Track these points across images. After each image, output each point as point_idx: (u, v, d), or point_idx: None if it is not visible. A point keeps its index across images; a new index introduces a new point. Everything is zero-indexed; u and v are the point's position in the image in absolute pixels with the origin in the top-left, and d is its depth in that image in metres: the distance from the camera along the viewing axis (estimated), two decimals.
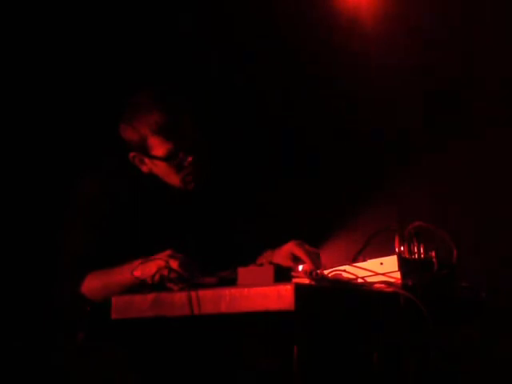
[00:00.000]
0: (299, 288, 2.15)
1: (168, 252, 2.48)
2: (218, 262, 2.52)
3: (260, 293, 2.18)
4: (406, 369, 2.44)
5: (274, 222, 3.85)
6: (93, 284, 2.64)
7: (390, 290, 2.36)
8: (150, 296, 2.31)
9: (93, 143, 3.62)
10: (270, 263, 2.32)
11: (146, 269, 2.46)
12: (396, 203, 3.63)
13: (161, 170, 2.83)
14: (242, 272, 2.28)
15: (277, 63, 4.08)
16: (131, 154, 2.83)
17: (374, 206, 3.62)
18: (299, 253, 2.77)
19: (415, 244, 2.50)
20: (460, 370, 2.62)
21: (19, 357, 3.40)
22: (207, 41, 4.04)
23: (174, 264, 2.42)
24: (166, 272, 2.39)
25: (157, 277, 2.40)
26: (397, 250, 2.48)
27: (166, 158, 2.79)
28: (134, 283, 2.48)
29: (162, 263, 2.43)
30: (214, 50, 4.05)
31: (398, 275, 2.40)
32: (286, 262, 2.78)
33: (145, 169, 2.84)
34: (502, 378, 2.93)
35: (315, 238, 2.95)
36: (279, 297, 2.14)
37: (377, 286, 2.38)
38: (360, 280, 2.40)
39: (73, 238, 2.76)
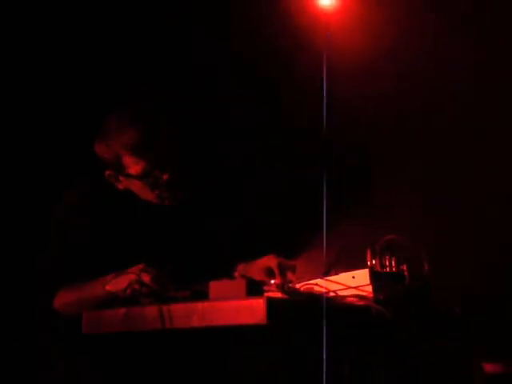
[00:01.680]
0: (271, 302, 2.15)
1: (140, 266, 2.48)
2: (192, 275, 2.52)
3: (232, 306, 2.18)
4: (377, 382, 2.45)
5: (250, 234, 3.85)
6: (65, 299, 2.63)
7: (361, 303, 2.36)
8: (121, 310, 2.31)
9: (69, 160, 3.61)
10: (242, 277, 2.32)
11: (118, 283, 2.46)
12: (369, 216, 3.64)
13: (136, 187, 2.82)
14: (214, 286, 2.28)
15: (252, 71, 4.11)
16: (106, 172, 2.82)
17: (348, 220, 3.63)
18: (273, 266, 2.77)
19: (387, 257, 2.51)
20: (430, 381, 2.63)
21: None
22: (185, 49, 4.05)
23: (146, 278, 2.42)
24: (137, 286, 2.38)
25: (128, 291, 2.39)
26: (369, 263, 2.49)
27: (141, 177, 2.79)
28: (106, 297, 2.47)
29: (133, 277, 2.42)
30: (190, 57, 4.06)
31: (369, 289, 2.41)
32: (260, 276, 2.79)
33: (120, 186, 2.83)
34: None
35: (289, 250, 2.95)
36: (251, 310, 2.14)
37: (349, 299, 2.38)
38: (332, 293, 2.40)
39: (48, 253, 2.75)
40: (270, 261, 2.82)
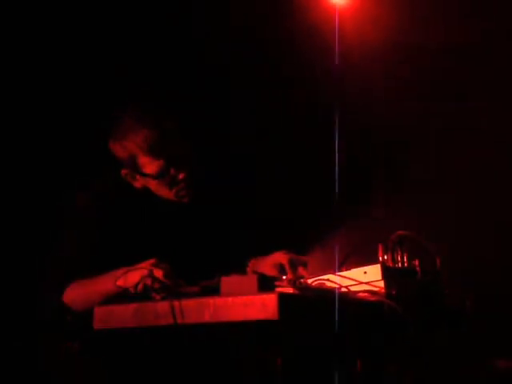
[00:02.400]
0: (283, 297, 2.14)
1: (152, 261, 2.48)
2: (204, 272, 2.51)
3: (244, 302, 2.17)
4: (389, 377, 2.44)
5: (261, 230, 3.84)
6: (75, 293, 2.63)
7: (373, 299, 2.36)
8: (133, 306, 2.30)
9: (85, 156, 3.61)
10: (254, 272, 2.32)
11: (129, 278, 2.45)
12: (381, 212, 3.64)
13: (153, 185, 2.83)
14: (226, 281, 2.28)
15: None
16: (123, 172, 2.82)
17: (359, 216, 3.62)
18: (284, 262, 2.77)
19: (399, 253, 2.51)
20: (442, 378, 2.62)
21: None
22: (188, 48, 4.05)
23: (159, 273, 2.41)
24: (149, 281, 2.38)
25: (140, 286, 2.39)
26: (380, 258, 2.48)
27: (158, 176, 2.79)
28: (116, 292, 2.47)
29: (145, 272, 2.42)
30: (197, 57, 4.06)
31: (381, 284, 2.40)
32: (272, 272, 2.78)
33: (137, 184, 2.84)
34: None
35: (301, 246, 2.95)
36: (263, 306, 2.14)
37: (360, 295, 2.38)
38: (344, 289, 2.40)
39: (60, 248, 2.75)
40: (281, 257, 2.82)
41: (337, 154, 3.92)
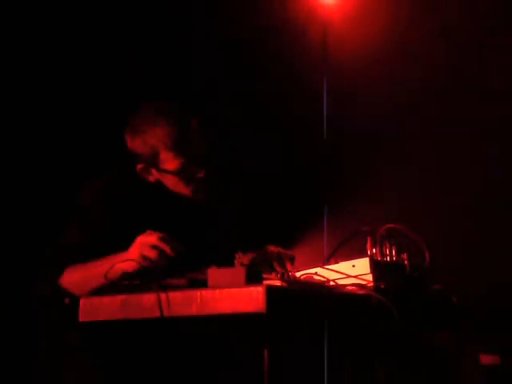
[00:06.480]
0: (271, 290, 2.13)
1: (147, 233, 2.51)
2: (195, 264, 2.49)
3: (231, 294, 2.16)
4: (377, 371, 2.43)
5: (249, 225, 3.84)
6: (72, 276, 2.61)
7: (361, 292, 2.35)
8: (119, 298, 2.28)
9: (101, 147, 3.62)
10: (242, 265, 2.31)
11: (130, 255, 2.48)
12: (369, 205, 3.64)
13: (170, 181, 2.82)
14: (213, 273, 2.26)
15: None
16: (139, 166, 2.80)
17: (347, 208, 3.61)
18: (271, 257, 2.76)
19: (387, 246, 2.50)
20: (429, 375, 2.62)
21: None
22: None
23: (152, 239, 2.47)
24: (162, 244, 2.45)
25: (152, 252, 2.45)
26: (369, 252, 2.47)
27: (178, 173, 2.78)
28: (114, 277, 2.44)
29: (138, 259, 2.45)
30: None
31: (370, 277, 2.39)
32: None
33: (152, 179, 2.83)
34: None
35: (288, 240, 2.94)
36: (251, 299, 2.12)
37: (349, 288, 2.37)
38: (332, 282, 2.39)
39: (65, 235, 2.73)
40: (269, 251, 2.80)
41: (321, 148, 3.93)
